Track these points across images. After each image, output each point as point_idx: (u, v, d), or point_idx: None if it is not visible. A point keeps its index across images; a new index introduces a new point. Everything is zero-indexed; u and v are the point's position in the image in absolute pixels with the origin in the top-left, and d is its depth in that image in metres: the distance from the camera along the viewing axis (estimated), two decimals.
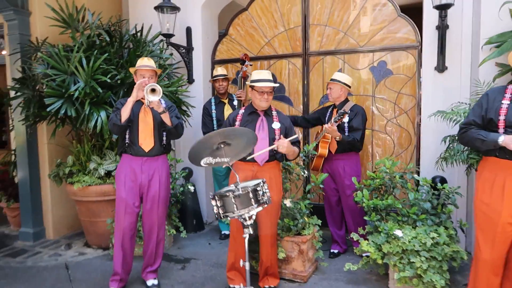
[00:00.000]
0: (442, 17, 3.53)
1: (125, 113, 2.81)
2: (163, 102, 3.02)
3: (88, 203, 4.03)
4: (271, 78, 2.85)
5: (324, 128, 3.49)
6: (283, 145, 2.68)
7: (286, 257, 3.25)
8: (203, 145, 2.39)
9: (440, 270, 2.77)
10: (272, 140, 2.82)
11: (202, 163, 2.43)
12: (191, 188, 4.25)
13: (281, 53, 4.63)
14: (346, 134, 3.54)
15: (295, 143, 2.86)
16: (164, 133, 3.00)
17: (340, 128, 3.52)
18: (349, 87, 3.65)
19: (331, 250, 3.83)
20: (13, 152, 4.86)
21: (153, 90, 2.72)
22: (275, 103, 4.67)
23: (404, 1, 4.86)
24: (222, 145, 2.40)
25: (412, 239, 2.82)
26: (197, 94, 4.75)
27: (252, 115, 2.90)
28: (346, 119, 3.50)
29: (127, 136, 2.97)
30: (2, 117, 8.46)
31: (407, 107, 4.10)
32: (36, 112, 3.89)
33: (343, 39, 4.33)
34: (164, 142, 3.02)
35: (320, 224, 3.38)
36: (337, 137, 3.43)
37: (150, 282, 3.17)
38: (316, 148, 3.64)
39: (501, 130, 2.19)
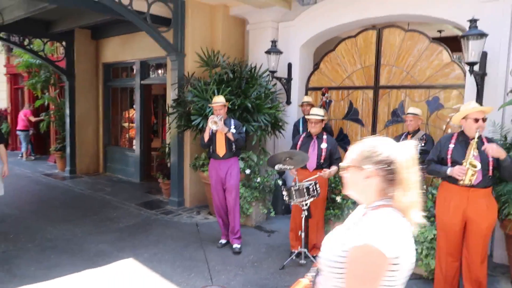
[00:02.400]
0: (479, 66, 4.48)
1: (206, 136, 4.68)
2: (232, 125, 4.70)
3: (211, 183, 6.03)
4: (320, 113, 4.34)
5: None
6: (324, 174, 4.20)
7: None
8: (277, 157, 4.05)
9: (435, 256, 3.91)
10: (319, 155, 4.31)
11: (275, 167, 4.10)
12: (280, 182, 5.91)
13: (357, 85, 5.95)
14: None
15: (336, 160, 4.31)
16: (233, 144, 4.69)
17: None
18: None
19: None
20: (167, 145, 7.20)
21: (214, 122, 4.45)
22: (350, 123, 6.04)
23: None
24: (287, 158, 4.03)
25: (420, 233, 4.00)
26: (292, 114, 6.38)
27: (309, 138, 4.45)
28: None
29: (211, 147, 4.78)
30: (155, 113, 11.41)
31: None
32: (185, 123, 6.01)
33: (406, 77, 5.47)
34: (234, 149, 4.71)
35: None
36: None
37: (234, 246, 4.84)
38: None
39: (449, 164, 3.32)
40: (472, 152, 3.20)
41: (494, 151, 3.11)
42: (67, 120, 9.11)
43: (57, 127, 10.18)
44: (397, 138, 5.02)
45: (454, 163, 3.30)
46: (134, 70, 8.74)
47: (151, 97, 9.31)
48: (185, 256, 4.58)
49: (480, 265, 3.36)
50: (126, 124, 9.52)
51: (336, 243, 1.39)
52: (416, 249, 3.96)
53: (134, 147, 8.90)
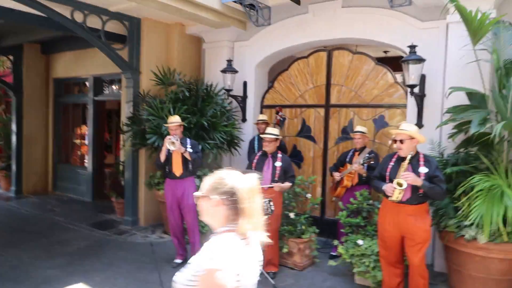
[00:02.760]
0: (419, 88, 4.83)
1: (162, 156, 4.70)
2: (189, 144, 4.76)
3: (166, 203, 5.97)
4: (274, 133, 4.48)
5: (350, 167, 4.96)
6: (277, 187, 4.36)
7: (289, 252, 4.81)
8: None
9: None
10: (274, 174, 4.44)
11: None
12: None
13: (310, 103, 6.19)
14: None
15: (291, 177, 4.45)
16: (189, 163, 4.73)
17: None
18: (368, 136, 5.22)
19: (331, 253, 5.26)
20: (122, 163, 7.05)
21: (172, 143, 4.51)
22: (303, 140, 6.24)
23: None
24: None
25: (368, 247, 4.20)
26: (248, 131, 6.49)
27: (264, 156, 4.57)
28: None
29: (167, 167, 4.79)
30: (109, 128, 11.12)
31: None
32: (140, 141, 5.94)
33: (354, 96, 5.77)
34: (190, 168, 4.75)
35: (316, 232, 4.88)
36: (364, 174, 4.86)
37: None
38: (341, 181, 5.12)
39: (387, 181, 3.58)
40: (402, 172, 3.53)
41: (411, 181, 3.45)
42: (14, 137, 8.69)
43: (2, 145, 9.67)
44: (345, 155, 5.27)
45: (390, 180, 3.56)
46: (87, 86, 8.53)
47: (105, 113, 9.10)
48: (139, 278, 4.50)
49: (419, 277, 3.60)
50: (78, 141, 9.22)
51: (187, 267, 1.59)
52: (364, 262, 4.16)
53: (86, 164, 8.63)
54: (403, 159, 3.60)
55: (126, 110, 6.48)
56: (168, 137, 4.64)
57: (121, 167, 7.07)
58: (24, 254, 5.16)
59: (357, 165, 4.79)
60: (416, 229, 3.55)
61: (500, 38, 4.23)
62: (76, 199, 8.49)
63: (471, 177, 3.79)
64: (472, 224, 3.71)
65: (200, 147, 5.14)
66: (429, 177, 3.52)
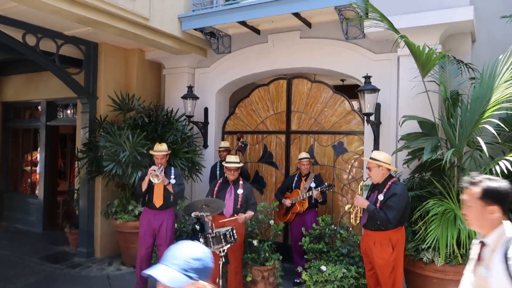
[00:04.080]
0: (375, 116, 5.05)
1: (144, 185, 4.56)
2: (173, 174, 4.67)
3: (126, 233, 5.76)
4: (236, 161, 4.49)
5: (304, 194, 5.07)
6: (240, 218, 4.32)
7: (253, 280, 4.74)
8: (193, 205, 4.05)
9: None
10: (236, 201, 4.42)
11: (192, 215, 4.08)
12: (197, 227, 5.85)
13: (271, 130, 6.27)
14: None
15: (252, 205, 4.45)
16: (171, 195, 4.65)
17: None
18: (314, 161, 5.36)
19: (295, 280, 5.24)
20: (76, 191, 6.73)
21: (156, 176, 4.40)
22: (265, 166, 6.28)
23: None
24: (204, 206, 4.05)
25: (331, 272, 4.24)
26: (209, 157, 6.45)
27: (225, 183, 4.55)
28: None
29: (147, 196, 4.66)
30: (63, 153, 10.62)
31: (357, 176, 5.57)
32: (96, 169, 5.72)
33: (314, 123, 5.92)
34: (171, 200, 4.65)
35: (280, 258, 4.86)
36: (320, 199, 5.03)
37: None
38: (292, 207, 5.19)
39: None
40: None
41: (359, 202, 3.84)
42: None
43: None
44: (290, 180, 5.43)
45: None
46: (40, 110, 8.16)
47: (58, 138, 8.71)
48: None
49: None
50: (28, 168, 8.72)
51: None
52: None
53: (37, 192, 8.14)
54: (375, 185, 3.91)
55: (81, 136, 6.24)
56: (152, 168, 4.51)
57: (75, 195, 6.74)
58: None
59: (317, 192, 4.99)
60: (373, 255, 3.74)
61: (446, 71, 4.56)
62: (25, 230, 7.94)
63: (426, 202, 3.96)
64: (429, 247, 3.86)
65: (182, 179, 4.93)
66: (382, 204, 3.71)
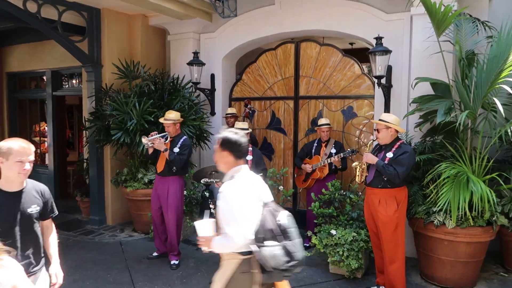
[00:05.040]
0: (386, 79, 4.91)
1: (150, 150, 4.64)
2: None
3: (136, 201, 5.81)
4: (245, 127, 4.43)
5: (324, 160, 5.01)
6: None
7: None
8: (203, 171, 4.03)
9: (356, 257, 4.18)
10: None
11: (201, 181, 4.08)
12: (207, 194, 5.88)
13: (279, 95, 6.17)
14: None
15: (262, 171, 4.42)
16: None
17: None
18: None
19: (305, 244, 5.28)
20: (85, 160, 6.77)
21: (144, 138, 4.53)
22: (273, 132, 6.22)
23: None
24: (213, 172, 4.03)
25: (341, 236, 4.26)
26: (217, 125, 6.39)
27: None
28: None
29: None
30: (71, 124, 10.65)
31: (367, 141, 5.49)
32: (104, 138, 5.70)
33: (323, 88, 5.80)
34: (174, 168, 4.60)
35: None
36: (339, 166, 4.98)
37: (172, 262, 4.75)
38: (313, 173, 5.16)
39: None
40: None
41: (368, 159, 3.82)
42: None
43: None
44: (309, 146, 5.33)
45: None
46: (45, 81, 8.09)
47: (65, 108, 8.68)
48: (109, 280, 4.33)
49: (389, 265, 3.71)
50: (37, 139, 8.75)
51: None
52: (338, 251, 4.22)
53: (47, 163, 8.21)
54: (381, 146, 3.87)
55: (88, 105, 6.20)
56: (152, 134, 4.63)
57: (85, 165, 6.78)
58: None
59: (335, 158, 4.91)
60: (377, 212, 3.75)
61: (462, 29, 4.38)
62: None
63: (438, 165, 3.90)
64: (440, 210, 3.84)
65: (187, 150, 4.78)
66: (391, 161, 3.69)
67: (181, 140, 4.70)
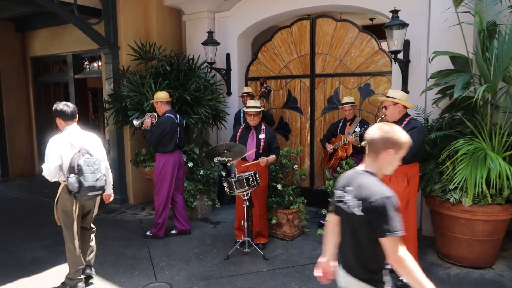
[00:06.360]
0: (403, 54, 4.76)
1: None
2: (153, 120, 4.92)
3: None
4: (256, 106, 4.41)
5: (345, 139, 4.92)
6: (262, 161, 4.30)
7: (278, 222, 4.83)
8: (214, 150, 4.07)
9: None
10: (258, 146, 4.40)
11: (214, 160, 4.12)
12: (223, 173, 5.94)
13: (294, 74, 6.09)
14: None
15: (275, 149, 4.42)
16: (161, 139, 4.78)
17: None
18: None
19: (320, 221, 5.30)
20: (107, 142, 6.94)
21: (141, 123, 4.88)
22: (290, 111, 6.18)
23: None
24: (225, 151, 4.06)
25: None
26: (233, 105, 6.40)
27: (247, 129, 4.52)
28: None
29: None
30: (95, 107, 10.86)
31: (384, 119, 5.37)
32: (122, 119, 5.82)
33: (339, 65, 5.68)
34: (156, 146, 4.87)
35: (304, 202, 4.90)
36: (358, 145, 4.80)
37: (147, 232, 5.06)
38: (335, 152, 5.11)
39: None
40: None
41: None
42: None
43: None
44: (335, 125, 5.24)
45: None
46: (67, 64, 8.27)
47: (87, 91, 8.88)
48: (128, 256, 4.50)
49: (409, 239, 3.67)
50: None
51: None
52: None
53: None
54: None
55: (107, 87, 6.32)
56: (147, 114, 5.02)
57: (107, 146, 6.95)
58: (12, 236, 5.12)
59: (352, 137, 4.75)
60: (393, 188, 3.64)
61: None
62: None
63: (455, 141, 3.79)
64: (456, 187, 3.75)
65: (166, 125, 4.80)
66: None
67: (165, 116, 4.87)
